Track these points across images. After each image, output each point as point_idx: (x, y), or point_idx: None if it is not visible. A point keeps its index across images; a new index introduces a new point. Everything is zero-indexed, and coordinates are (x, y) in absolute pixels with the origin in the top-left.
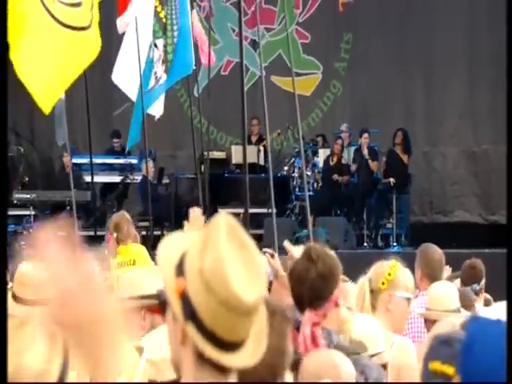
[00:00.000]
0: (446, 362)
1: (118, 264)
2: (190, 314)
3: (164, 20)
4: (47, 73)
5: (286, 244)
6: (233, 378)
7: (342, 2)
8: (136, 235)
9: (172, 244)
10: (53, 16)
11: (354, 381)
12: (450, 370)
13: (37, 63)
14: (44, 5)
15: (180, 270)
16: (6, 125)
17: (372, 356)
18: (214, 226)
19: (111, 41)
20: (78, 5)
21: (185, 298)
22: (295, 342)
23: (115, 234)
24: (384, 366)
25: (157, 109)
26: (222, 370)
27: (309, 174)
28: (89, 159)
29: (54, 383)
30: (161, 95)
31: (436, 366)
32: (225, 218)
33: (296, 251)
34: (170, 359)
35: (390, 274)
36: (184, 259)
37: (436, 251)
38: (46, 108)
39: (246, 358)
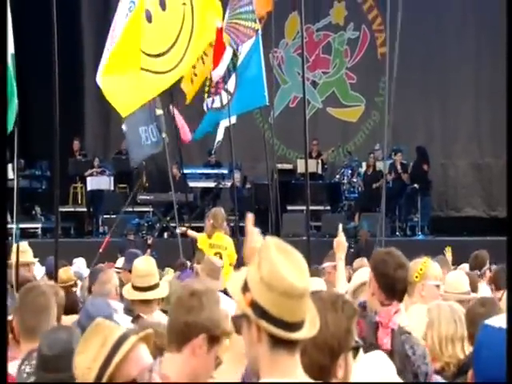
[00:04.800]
0: None
1: (211, 245)
2: (261, 313)
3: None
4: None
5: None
6: (298, 353)
7: (381, 52)
8: (227, 229)
9: (236, 276)
10: (142, 68)
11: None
12: None
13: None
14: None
15: (245, 288)
16: (6, 129)
17: None
18: (264, 246)
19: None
20: (162, 54)
21: (253, 305)
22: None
23: (211, 221)
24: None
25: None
26: (291, 345)
27: (355, 180)
28: (192, 169)
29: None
30: (222, 120)
31: None
32: (271, 238)
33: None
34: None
35: (421, 269)
36: (246, 280)
37: None
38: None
39: (307, 332)
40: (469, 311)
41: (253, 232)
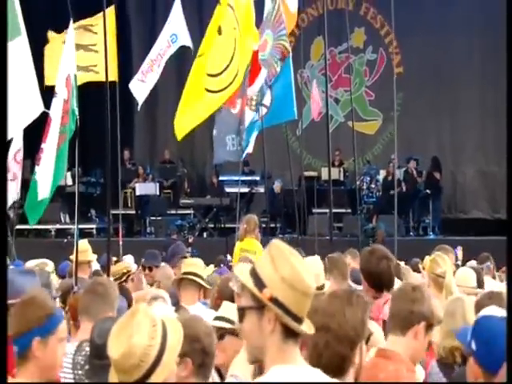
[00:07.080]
0: None
1: (242, 249)
2: (281, 308)
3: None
4: (189, 114)
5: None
6: (299, 344)
7: (397, 72)
8: (259, 235)
9: (242, 270)
10: (206, 89)
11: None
12: None
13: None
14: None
15: (260, 285)
16: (5, 128)
17: None
18: (275, 247)
19: None
20: (219, 74)
21: (273, 300)
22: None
23: (245, 226)
24: None
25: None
26: (297, 337)
27: (373, 186)
28: (229, 176)
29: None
30: (255, 131)
31: None
32: (276, 241)
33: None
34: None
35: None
36: (258, 278)
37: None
38: (180, 136)
39: (308, 327)
40: (477, 303)
41: None
